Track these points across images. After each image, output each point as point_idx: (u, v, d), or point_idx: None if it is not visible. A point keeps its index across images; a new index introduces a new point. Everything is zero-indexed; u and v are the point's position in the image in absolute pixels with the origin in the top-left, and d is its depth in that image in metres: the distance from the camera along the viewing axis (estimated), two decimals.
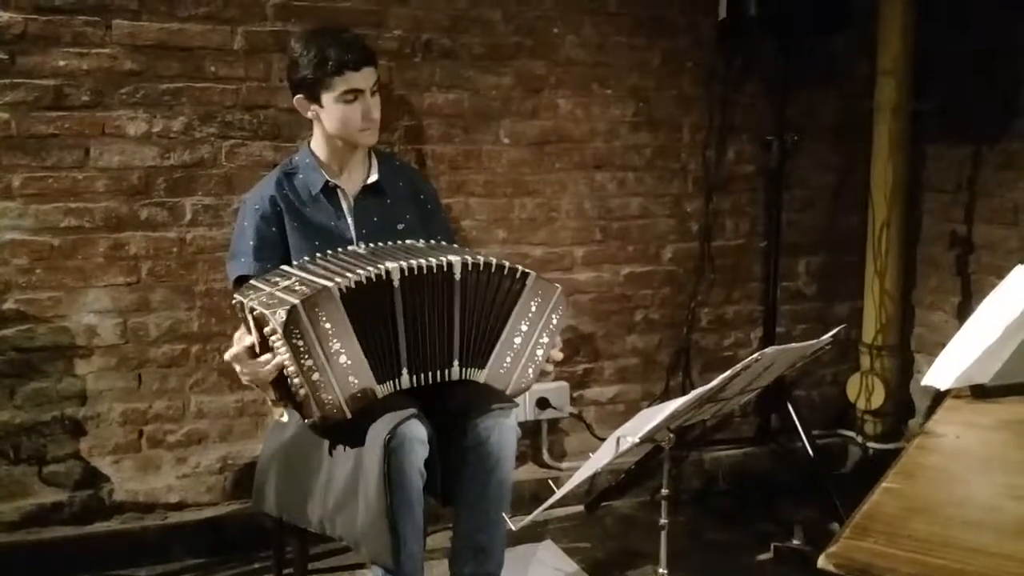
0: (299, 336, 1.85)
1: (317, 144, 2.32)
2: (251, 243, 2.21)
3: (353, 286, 1.92)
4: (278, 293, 1.90)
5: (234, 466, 2.82)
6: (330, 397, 1.91)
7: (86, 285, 2.62)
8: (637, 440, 1.70)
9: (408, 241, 2.20)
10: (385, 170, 2.36)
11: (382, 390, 1.99)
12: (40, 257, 2.57)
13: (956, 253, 3.25)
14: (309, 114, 2.26)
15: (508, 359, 2.11)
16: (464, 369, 2.09)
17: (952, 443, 1.53)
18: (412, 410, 1.98)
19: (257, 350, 1.91)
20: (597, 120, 3.09)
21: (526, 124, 3.00)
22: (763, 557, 2.83)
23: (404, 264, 1.98)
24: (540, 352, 2.13)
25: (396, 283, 1.97)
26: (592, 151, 3.10)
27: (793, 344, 1.81)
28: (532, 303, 2.09)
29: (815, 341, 1.83)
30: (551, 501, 1.76)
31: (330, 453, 2.06)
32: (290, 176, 2.29)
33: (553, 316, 2.12)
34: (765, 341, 3.19)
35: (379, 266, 1.97)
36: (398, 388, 2.02)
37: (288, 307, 1.84)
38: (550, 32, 2.99)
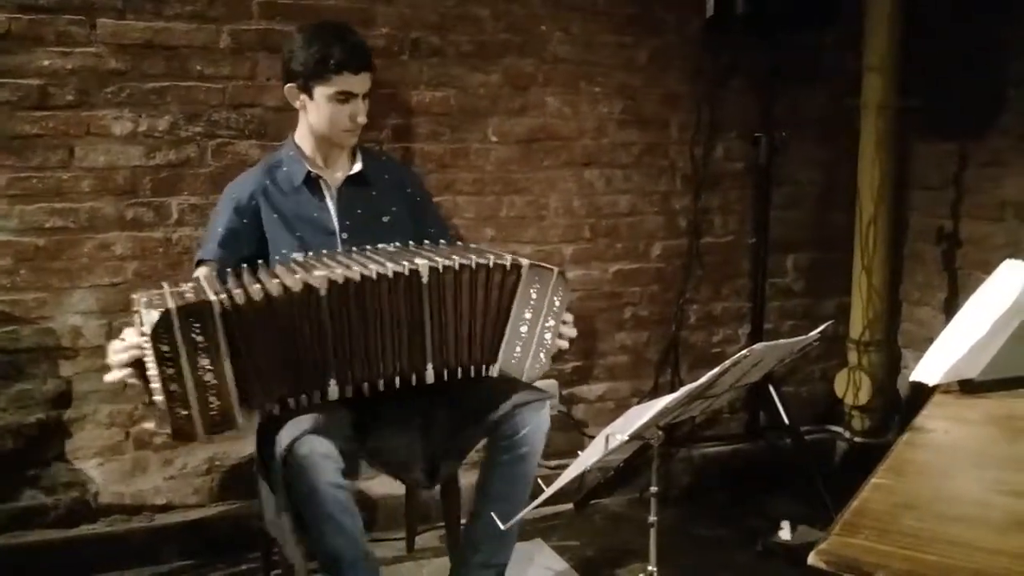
0: (166, 342, 1.77)
1: (301, 136, 2.32)
2: (220, 231, 2.22)
3: (242, 302, 1.83)
4: (169, 294, 1.83)
5: (221, 467, 2.80)
6: (184, 413, 1.80)
7: (71, 286, 2.60)
8: (626, 438, 1.70)
9: (410, 244, 2.19)
10: (369, 162, 2.36)
11: (290, 403, 1.92)
12: (25, 258, 2.55)
13: (943, 249, 3.26)
14: (296, 103, 2.26)
15: (518, 348, 2.11)
16: (439, 372, 2.05)
17: (941, 438, 1.53)
18: (311, 424, 1.94)
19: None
20: (585, 118, 3.08)
21: (514, 122, 3.00)
22: (752, 553, 2.83)
23: (340, 273, 1.91)
24: (548, 336, 2.13)
25: (323, 293, 1.89)
26: (580, 149, 3.09)
27: (781, 340, 1.81)
28: (531, 291, 2.08)
29: (803, 337, 1.83)
30: (540, 499, 1.75)
31: None
32: (274, 169, 2.30)
33: (555, 299, 2.11)
34: (753, 337, 3.20)
35: (314, 273, 1.91)
36: (323, 399, 1.96)
37: (160, 310, 1.76)
38: (538, 30, 2.98)
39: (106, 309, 2.63)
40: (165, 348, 1.77)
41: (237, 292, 1.85)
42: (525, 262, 2.08)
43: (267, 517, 2.15)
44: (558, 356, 2.19)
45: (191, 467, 2.78)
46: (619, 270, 3.21)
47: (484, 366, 2.11)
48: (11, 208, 2.52)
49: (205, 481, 2.80)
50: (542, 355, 2.13)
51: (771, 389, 3.10)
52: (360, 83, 2.22)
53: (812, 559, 1.12)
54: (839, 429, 3.50)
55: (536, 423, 2.14)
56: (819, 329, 1.86)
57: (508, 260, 2.07)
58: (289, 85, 2.25)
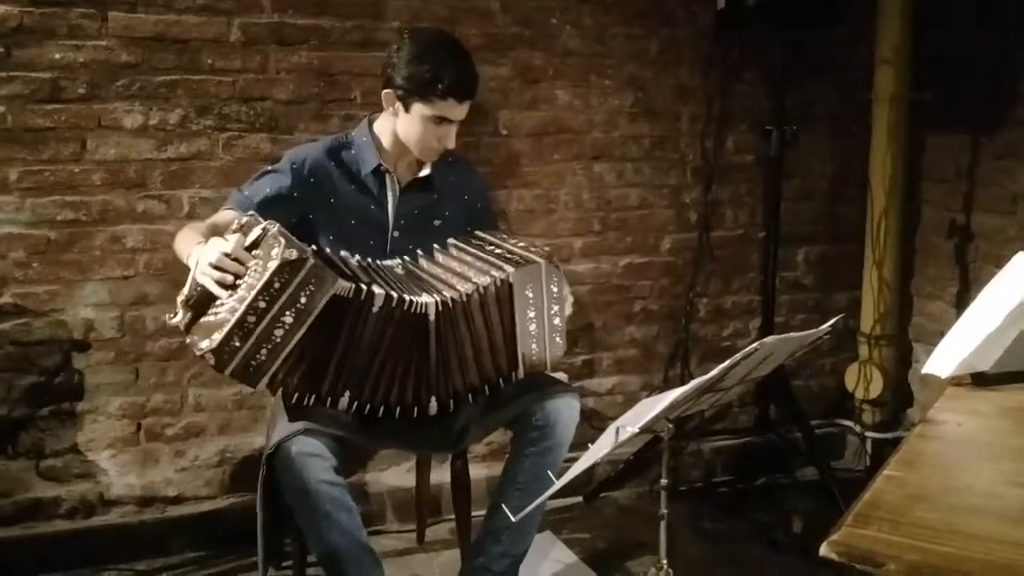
0: (282, 281, 1.81)
1: (382, 129, 2.27)
2: (267, 190, 2.19)
3: (349, 294, 1.90)
4: (296, 243, 1.87)
5: (232, 459, 2.82)
6: (236, 344, 1.82)
7: (83, 278, 2.61)
8: (636, 430, 1.70)
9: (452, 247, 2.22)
10: (439, 164, 2.32)
11: (306, 399, 1.96)
12: (37, 251, 2.56)
13: (955, 242, 3.25)
14: (389, 110, 2.21)
15: (534, 346, 2.12)
16: (448, 402, 2.08)
17: (953, 430, 1.53)
18: (300, 426, 1.96)
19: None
20: (595, 111, 3.08)
21: (524, 115, 3.00)
22: (762, 546, 2.83)
23: (396, 293, 1.97)
24: (557, 320, 2.14)
25: (375, 309, 1.95)
26: (591, 142, 3.09)
27: (792, 334, 1.81)
28: (527, 291, 2.09)
29: (814, 331, 1.83)
30: (550, 492, 1.76)
31: None
32: (341, 149, 2.27)
33: (551, 287, 2.11)
34: (764, 331, 3.19)
35: (366, 283, 1.95)
36: (332, 406, 1.99)
37: (302, 255, 1.81)
38: (548, 22, 2.98)
39: (117, 302, 2.64)
40: (276, 286, 1.80)
41: (346, 284, 1.89)
42: (509, 269, 2.06)
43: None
44: (569, 336, 2.21)
45: (202, 459, 2.79)
46: (629, 263, 3.20)
47: (510, 374, 2.13)
48: (23, 201, 2.53)
49: (216, 473, 2.81)
50: (557, 338, 2.15)
51: (781, 383, 3.09)
52: (461, 111, 2.18)
53: (824, 550, 1.12)
54: (849, 423, 3.49)
55: (566, 416, 2.15)
56: (830, 323, 1.85)
57: (492, 276, 2.05)
58: (387, 91, 2.18)
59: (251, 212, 2.02)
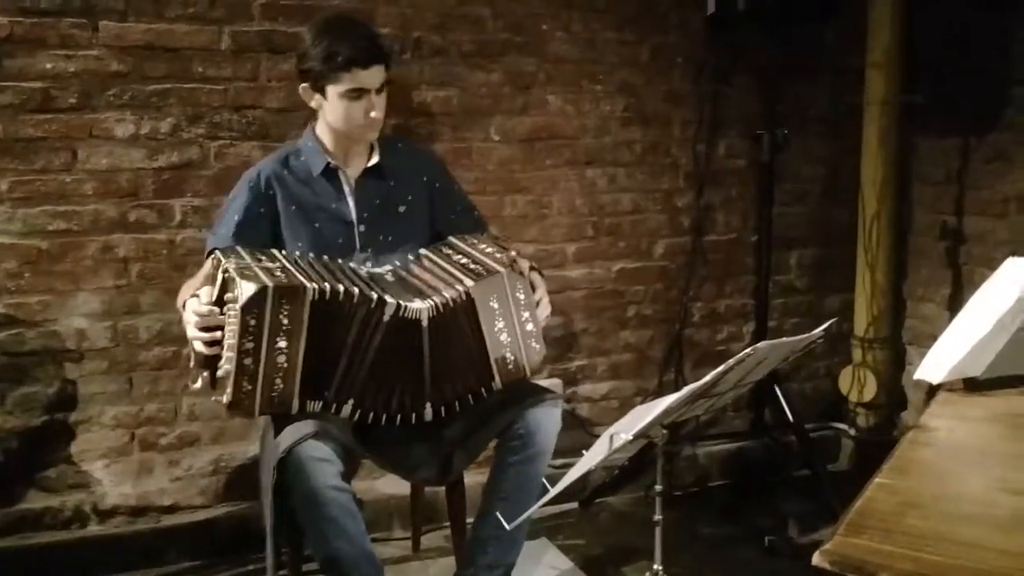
0: (255, 317, 1.82)
1: (322, 130, 2.29)
2: (235, 218, 2.20)
3: (328, 296, 1.90)
4: (257, 268, 1.88)
5: (227, 468, 2.81)
6: (248, 388, 1.86)
7: (75, 288, 2.60)
8: (631, 437, 1.70)
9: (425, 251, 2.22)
10: (387, 152, 2.33)
11: (309, 405, 1.95)
12: (29, 261, 2.55)
13: (946, 245, 3.26)
14: (313, 103, 2.23)
15: (508, 354, 2.11)
16: (440, 408, 2.08)
17: (945, 437, 1.53)
18: (311, 430, 1.95)
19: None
20: (587, 116, 3.08)
21: (516, 121, 3.00)
22: (757, 551, 2.83)
23: (402, 301, 1.98)
24: (530, 327, 2.12)
25: (386, 317, 1.97)
26: (583, 147, 3.09)
27: (785, 338, 1.81)
28: (491, 303, 2.07)
29: (807, 335, 1.83)
30: (545, 499, 1.76)
31: None
32: (291, 157, 2.28)
33: (517, 295, 2.10)
34: (757, 335, 3.20)
35: (371, 291, 1.96)
36: (336, 413, 1.99)
37: (260, 285, 1.82)
38: (539, 29, 2.98)
39: (110, 311, 2.64)
40: (252, 322, 1.82)
41: (325, 284, 1.90)
42: (469, 283, 2.05)
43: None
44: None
45: (197, 468, 2.78)
46: (622, 268, 3.21)
47: (484, 388, 2.11)
48: (14, 211, 2.52)
49: (211, 482, 2.80)
50: (533, 343, 2.14)
51: (775, 387, 3.09)
52: (371, 77, 2.16)
53: (816, 559, 1.12)
54: (844, 426, 3.50)
55: (547, 424, 2.14)
56: (823, 327, 1.86)
57: (451, 292, 2.04)
58: (303, 86, 2.21)
59: (215, 254, 1.99)
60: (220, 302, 1.88)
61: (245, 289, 1.81)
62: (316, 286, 1.89)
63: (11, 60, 2.47)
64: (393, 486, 2.90)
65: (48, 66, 2.50)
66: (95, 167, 2.58)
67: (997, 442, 1.53)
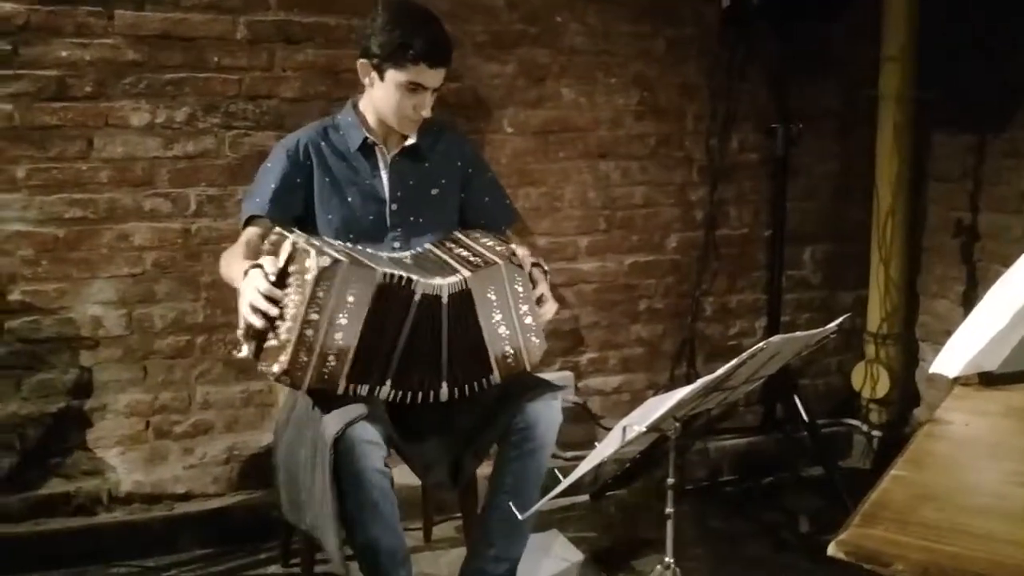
0: (324, 290, 1.84)
1: (365, 106, 2.29)
2: (272, 186, 2.20)
3: (394, 281, 1.92)
4: (325, 247, 1.91)
5: (240, 456, 2.82)
6: (304, 359, 1.86)
7: (91, 276, 2.62)
8: (644, 429, 1.70)
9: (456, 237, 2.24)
10: (426, 134, 2.33)
11: (353, 388, 1.95)
12: (45, 249, 2.57)
13: (961, 241, 3.24)
14: (365, 80, 2.22)
15: (508, 348, 2.10)
16: (454, 389, 2.06)
17: (961, 430, 1.52)
18: (362, 411, 1.96)
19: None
20: (601, 109, 3.08)
21: (530, 113, 3.00)
22: (768, 545, 2.83)
23: (433, 281, 1.99)
24: (529, 320, 2.12)
25: (417, 296, 1.97)
26: (596, 140, 3.09)
27: (798, 333, 1.81)
28: (488, 294, 2.07)
29: (820, 330, 1.83)
30: (557, 490, 1.76)
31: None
32: (329, 130, 2.28)
33: (516, 287, 2.10)
34: (770, 330, 3.19)
35: (414, 276, 1.97)
36: (375, 395, 1.99)
37: (334, 259, 1.85)
38: (554, 20, 2.98)
39: (125, 299, 2.65)
40: (320, 295, 1.84)
41: (388, 271, 1.92)
42: (466, 273, 2.05)
43: (283, 507, 2.17)
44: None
45: (210, 456, 2.79)
46: (634, 262, 3.20)
47: (484, 380, 2.10)
48: (31, 199, 2.54)
49: (224, 470, 2.82)
50: (533, 337, 2.13)
51: (788, 382, 3.08)
52: (434, 78, 2.17)
53: (832, 550, 1.12)
54: (856, 422, 3.49)
55: (547, 418, 2.13)
56: (836, 322, 1.86)
57: (446, 282, 2.03)
58: (362, 61, 2.20)
59: (277, 229, 2.01)
60: (284, 274, 1.88)
61: (320, 261, 1.83)
62: (385, 270, 1.91)
63: (28, 48, 2.48)
64: (404, 477, 2.89)
65: (64, 54, 2.51)
66: (111, 155, 2.59)
67: (1012, 436, 1.52)
